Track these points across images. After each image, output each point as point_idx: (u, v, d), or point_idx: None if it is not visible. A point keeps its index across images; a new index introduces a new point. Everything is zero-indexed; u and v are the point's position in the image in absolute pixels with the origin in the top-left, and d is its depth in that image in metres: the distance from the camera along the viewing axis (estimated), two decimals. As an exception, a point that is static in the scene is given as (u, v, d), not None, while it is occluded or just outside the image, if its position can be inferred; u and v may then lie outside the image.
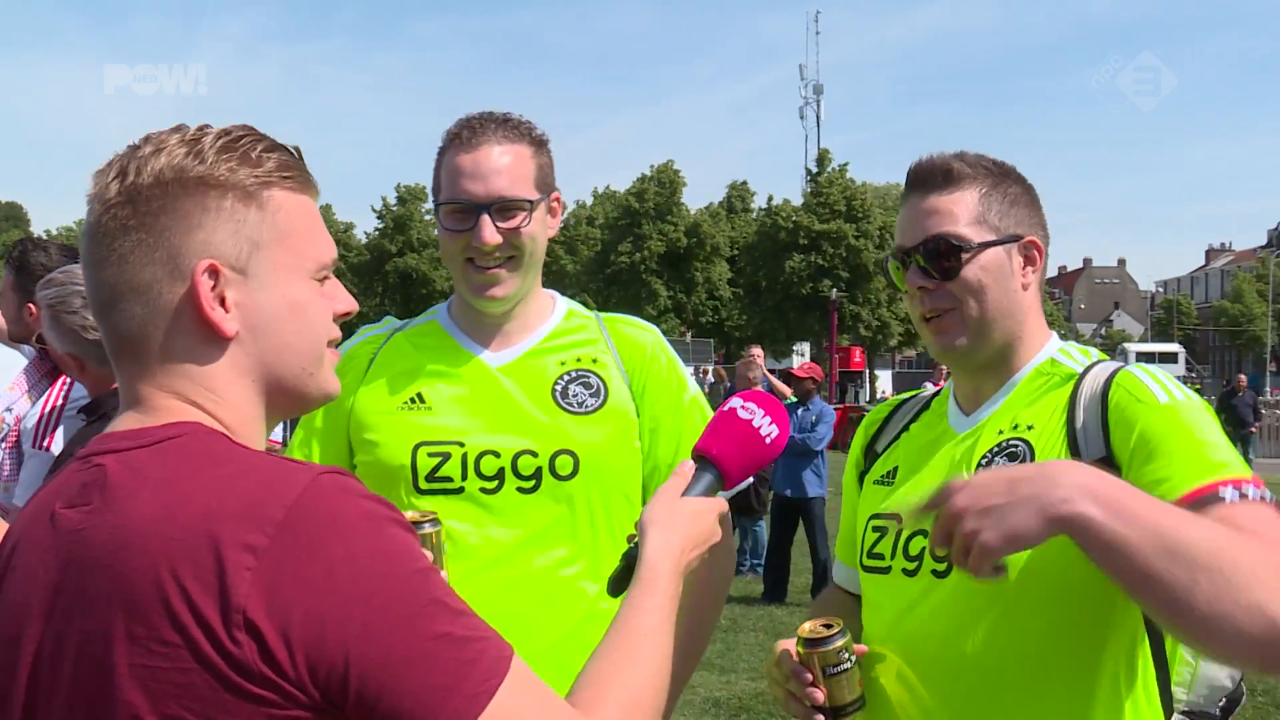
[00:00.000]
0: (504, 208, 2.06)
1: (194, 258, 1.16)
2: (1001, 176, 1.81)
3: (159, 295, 1.17)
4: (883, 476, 1.93)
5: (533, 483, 2.07)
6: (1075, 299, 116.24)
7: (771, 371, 14.38)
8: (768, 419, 1.60)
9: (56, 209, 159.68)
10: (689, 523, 1.47)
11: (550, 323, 2.24)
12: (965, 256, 1.74)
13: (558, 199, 2.19)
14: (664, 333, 2.35)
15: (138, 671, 1.03)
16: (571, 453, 2.09)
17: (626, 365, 2.22)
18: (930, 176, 1.80)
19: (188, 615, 1.02)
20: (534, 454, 2.08)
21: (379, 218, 55.17)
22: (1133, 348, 62.43)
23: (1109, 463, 1.60)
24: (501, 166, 2.07)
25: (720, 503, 1.54)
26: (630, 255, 49.74)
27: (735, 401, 1.63)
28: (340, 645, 1.02)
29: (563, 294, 2.37)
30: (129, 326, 1.18)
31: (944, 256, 1.75)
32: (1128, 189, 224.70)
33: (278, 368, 1.23)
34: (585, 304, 2.35)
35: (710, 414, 2.28)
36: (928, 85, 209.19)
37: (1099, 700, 1.63)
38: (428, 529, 1.78)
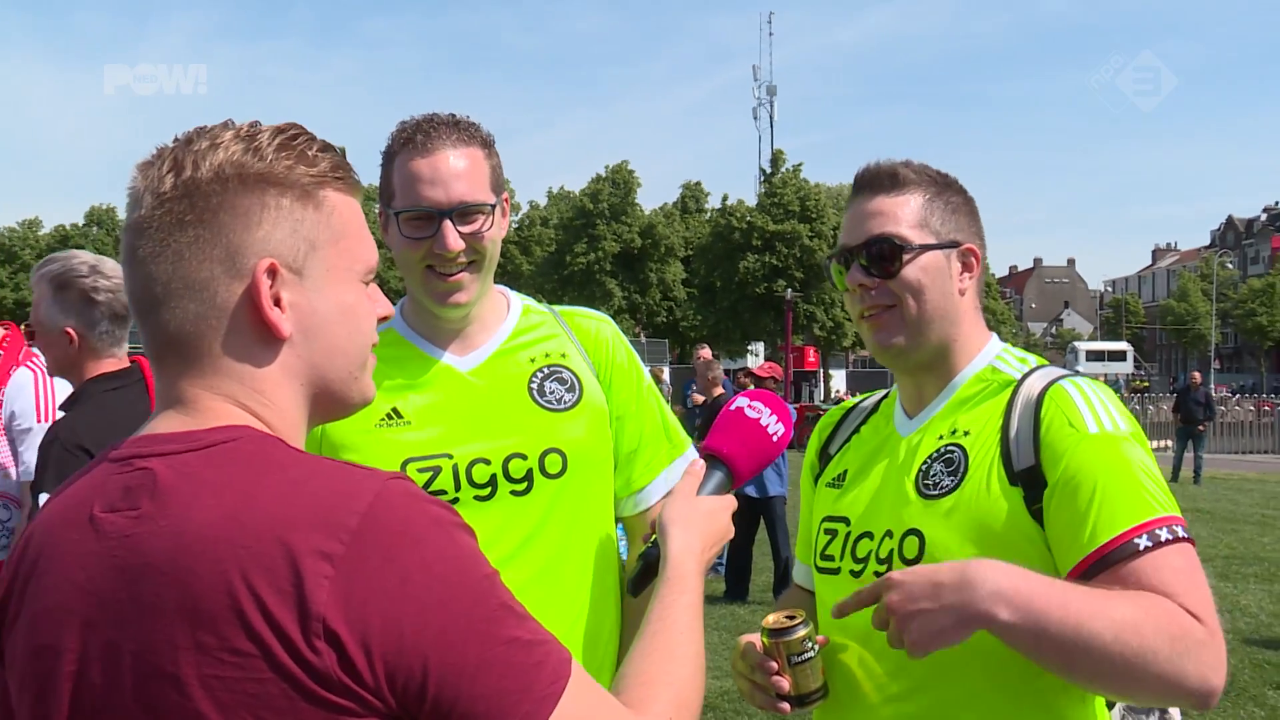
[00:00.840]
0: (465, 213, 2.03)
1: (254, 256, 1.14)
2: (944, 186, 1.86)
3: (215, 293, 1.13)
4: (834, 479, 1.97)
5: (525, 485, 2.06)
6: (1026, 298, 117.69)
7: (729, 372, 14.38)
8: (774, 417, 1.66)
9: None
10: (706, 521, 1.52)
11: (510, 321, 2.22)
12: (906, 257, 1.79)
13: (507, 199, 2.17)
14: (617, 333, 2.37)
15: (208, 681, 1.00)
16: (559, 450, 2.09)
17: (592, 357, 2.23)
18: (877, 180, 1.84)
19: (263, 624, 0.99)
20: (523, 456, 2.07)
21: (332, 218, 54.66)
22: (1083, 346, 63.23)
23: (1037, 472, 1.67)
24: (460, 171, 2.03)
25: (731, 500, 1.60)
26: (585, 256, 49.68)
27: (741, 401, 1.67)
28: (419, 652, 1.01)
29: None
30: (180, 324, 1.14)
31: (886, 256, 1.80)
32: (1077, 190, 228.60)
33: (326, 371, 1.20)
34: (537, 301, 2.34)
35: (661, 399, 2.33)
36: (880, 87, 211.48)
37: (1042, 691, 1.67)
38: None
